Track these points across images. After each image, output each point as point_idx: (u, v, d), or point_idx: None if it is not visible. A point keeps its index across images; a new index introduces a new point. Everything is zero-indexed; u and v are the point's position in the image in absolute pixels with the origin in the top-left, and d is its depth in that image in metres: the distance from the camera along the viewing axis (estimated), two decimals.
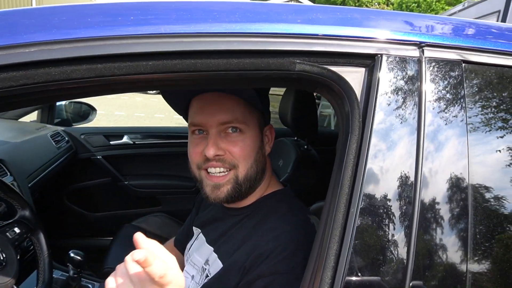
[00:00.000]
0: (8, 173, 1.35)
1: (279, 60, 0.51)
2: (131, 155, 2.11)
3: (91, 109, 2.23)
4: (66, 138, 1.94)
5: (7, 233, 0.92)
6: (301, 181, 1.67)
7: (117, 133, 2.10)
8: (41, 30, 0.46)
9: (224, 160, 0.72)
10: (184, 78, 0.50)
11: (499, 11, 4.23)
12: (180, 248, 1.03)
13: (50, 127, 1.94)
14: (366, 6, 22.26)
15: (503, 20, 4.16)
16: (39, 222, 1.01)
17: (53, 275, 1.02)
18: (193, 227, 0.92)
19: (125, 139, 2.09)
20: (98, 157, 2.03)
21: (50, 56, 0.45)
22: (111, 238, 1.81)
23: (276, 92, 2.48)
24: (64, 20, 0.48)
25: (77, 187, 2.07)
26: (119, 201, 2.11)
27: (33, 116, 2.17)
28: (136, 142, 2.11)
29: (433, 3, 17.76)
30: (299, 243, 0.66)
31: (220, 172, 0.72)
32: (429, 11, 17.20)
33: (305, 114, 1.52)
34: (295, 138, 1.93)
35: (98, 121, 2.28)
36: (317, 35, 0.52)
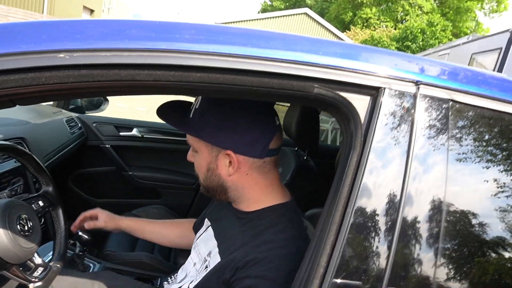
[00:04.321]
0: (29, 152, 1.44)
1: (301, 83, 0.62)
2: (138, 147, 2.21)
3: (104, 100, 2.33)
4: (79, 125, 2.04)
5: (33, 205, 1.02)
6: (298, 189, 1.77)
7: (127, 125, 2.20)
8: (115, 39, 0.57)
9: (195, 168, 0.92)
10: (223, 89, 0.61)
11: (500, 48, 4.38)
12: (195, 232, 1.14)
13: (65, 113, 2.04)
14: (374, 27, 22.58)
15: (504, 57, 4.29)
16: (59, 199, 1.11)
17: None
18: (206, 219, 1.03)
19: (134, 131, 2.19)
20: (107, 145, 2.13)
21: (120, 61, 0.56)
22: None
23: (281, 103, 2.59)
24: (133, 32, 0.59)
25: (83, 172, 2.16)
26: (121, 190, 2.20)
27: None
28: (144, 136, 2.21)
29: (437, 32, 18.11)
30: (287, 257, 0.76)
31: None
32: (433, 39, 17.55)
33: (308, 127, 1.64)
34: (296, 148, 2.04)
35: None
36: (333, 66, 0.64)
